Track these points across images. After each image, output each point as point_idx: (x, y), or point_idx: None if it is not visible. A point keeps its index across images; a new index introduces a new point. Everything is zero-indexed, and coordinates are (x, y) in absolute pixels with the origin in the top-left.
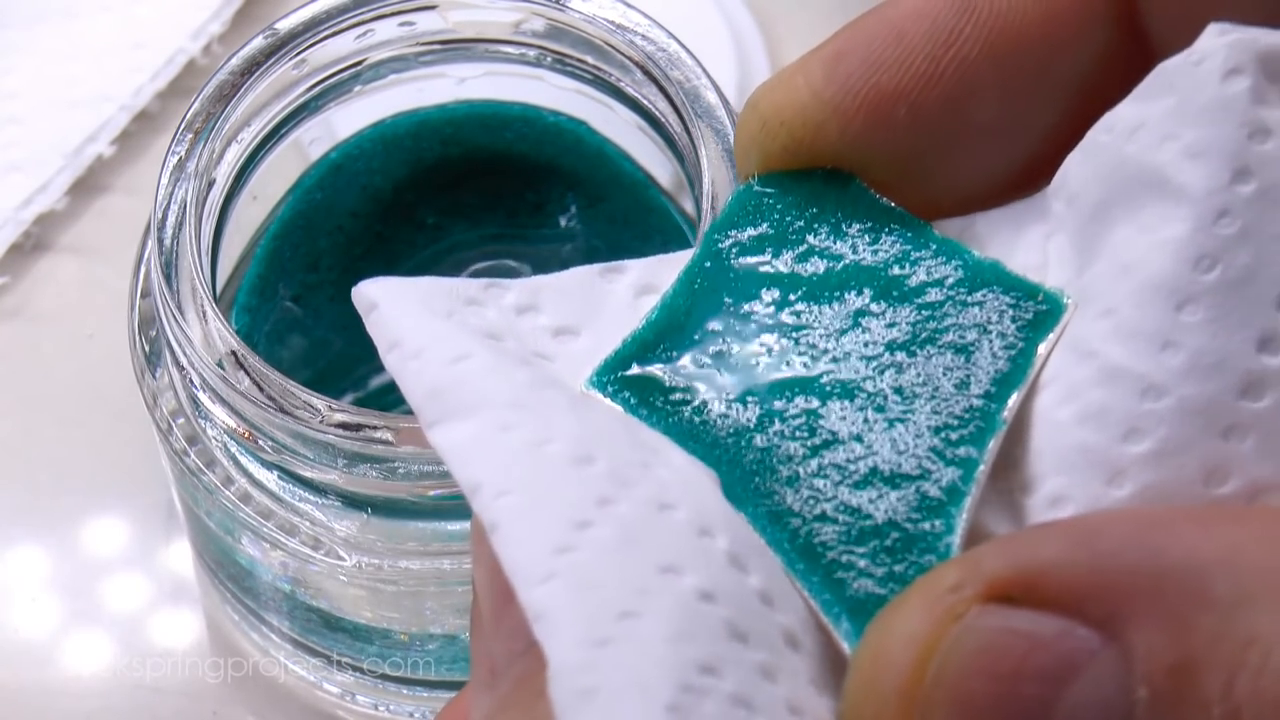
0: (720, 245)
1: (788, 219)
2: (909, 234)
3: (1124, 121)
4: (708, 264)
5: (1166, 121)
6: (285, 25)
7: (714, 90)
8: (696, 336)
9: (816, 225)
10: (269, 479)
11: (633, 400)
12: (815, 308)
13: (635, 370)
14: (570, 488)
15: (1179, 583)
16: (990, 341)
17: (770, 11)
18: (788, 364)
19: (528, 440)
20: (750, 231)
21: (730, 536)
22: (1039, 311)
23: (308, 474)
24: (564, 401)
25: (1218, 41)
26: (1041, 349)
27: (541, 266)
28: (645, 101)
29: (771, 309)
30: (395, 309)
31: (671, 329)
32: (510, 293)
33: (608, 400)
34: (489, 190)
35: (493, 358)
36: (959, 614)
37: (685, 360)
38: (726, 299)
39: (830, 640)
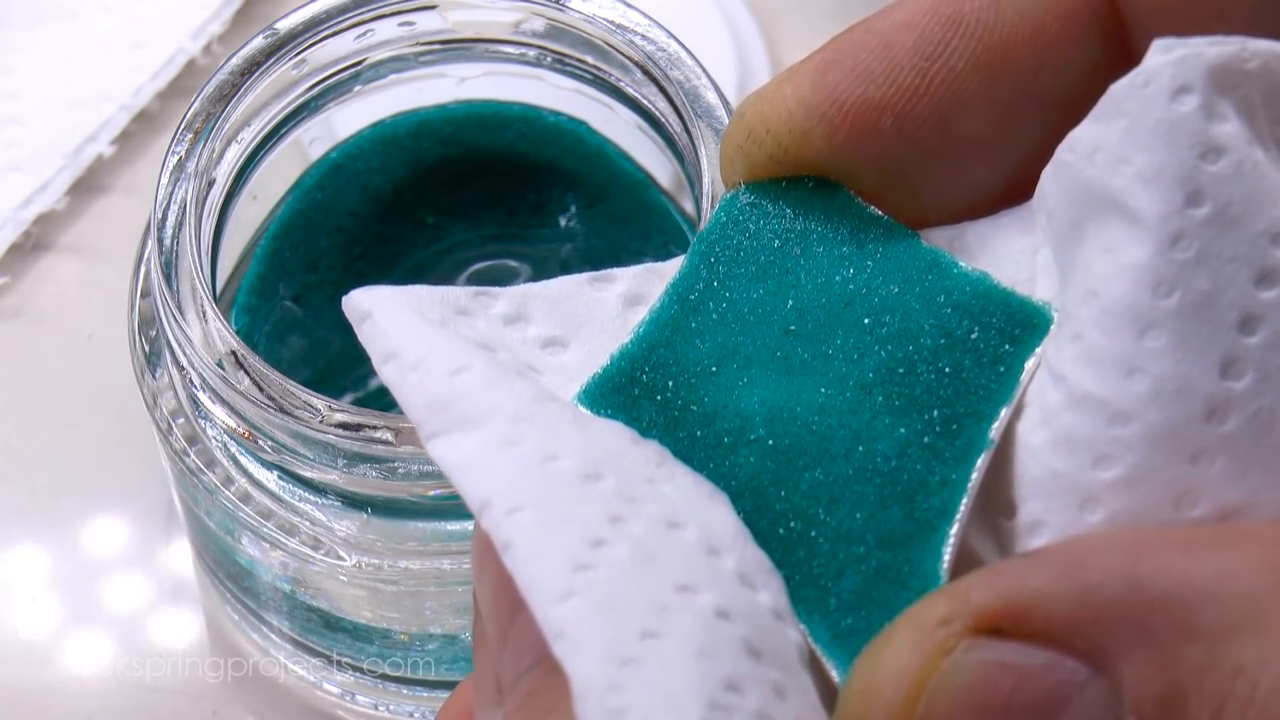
0: (708, 257)
1: (775, 229)
2: (897, 245)
3: (1083, 143)
4: (695, 276)
5: (1120, 145)
6: (285, 25)
7: (714, 90)
8: (685, 353)
9: (804, 235)
10: (269, 479)
11: (621, 419)
12: (802, 321)
13: (624, 388)
14: (582, 505)
15: (1166, 613)
16: (978, 356)
17: (770, 11)
18: (775, 380)
19: (535, 455)
20: (737, 242)
21: (737, 555)
22: (1026, 326)
23: (308, 474)
24: (567, 415)
25: (1164, 59)
26: (1029, 364)
27: (541, 266)
28: (645, 101)
29: (759, 323)
30: (389, 318)
31: (659, 345)
32: (499, 302)
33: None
34: (489, 190)
35: (492, 369)
36: (948, 648)
37: (673, 378)
38: (714, 313)
39: (821, 667)
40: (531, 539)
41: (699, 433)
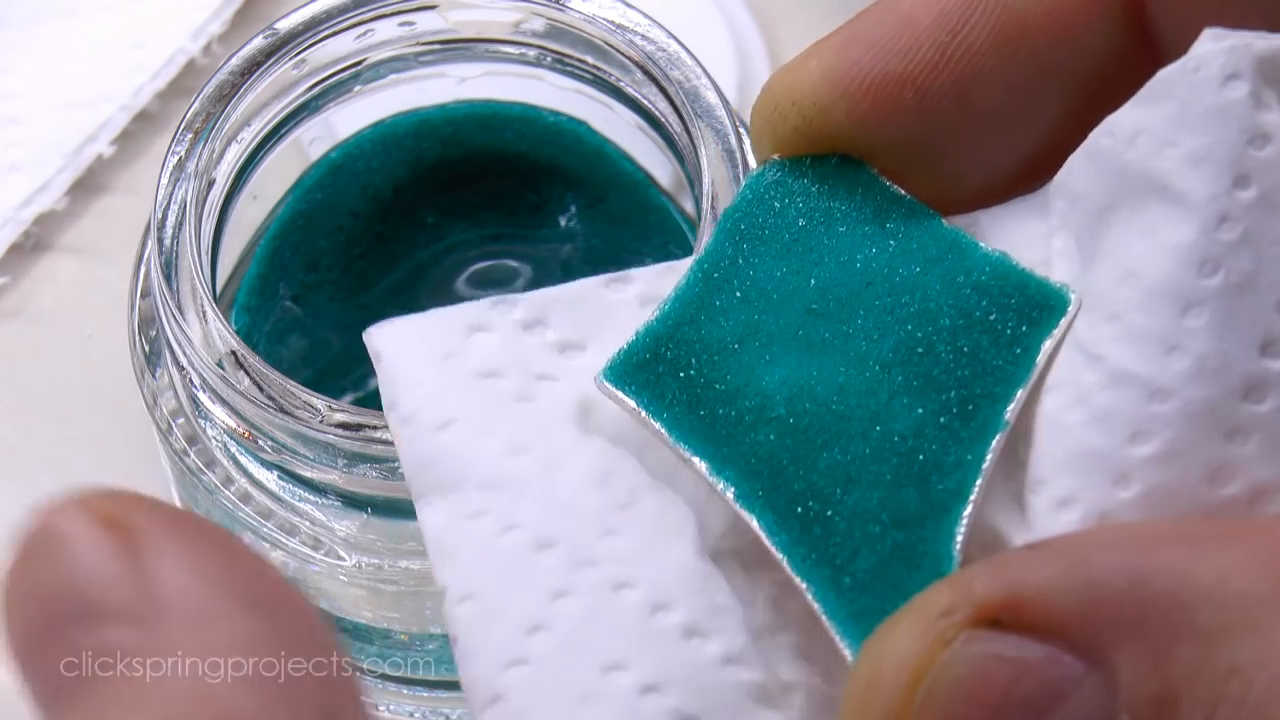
0: (733, 234)
1: (799, 207)
2: (919, 224)
3: (1124, 127)
4: (720, 253)
5: (1167, 128)
6: (285, 25)
7: (714, 90)
8: (708, 330)
9: (827, 214)
10: (269, 479)
11: (644, 396)
12: (824, 300)
13: (647, 365)
14: (527, 583)
15: (1164, 612)
16: (995, 338)
17: (770, 11)
18: (796, 359)
19: (494, 528)
20: (762, 219)
21: (688, 605)
22: (1044, 307)
23: (308, 474)
24: (540, 463)
25: (1215, 47)
26: (1047, 345)
27: (541, 266)
28: (645, 101)
29: (782, 301)
30: (395, 361)
31: (684, 322)
32: (517, 309)
33: (620, 394)
34: (489, 190)
35: (478, 417)
36: (948, 639)
37: (696, 355)
38: (738, 290)
39: (835, 649)
40: (470, 636)
41: (720, 410)
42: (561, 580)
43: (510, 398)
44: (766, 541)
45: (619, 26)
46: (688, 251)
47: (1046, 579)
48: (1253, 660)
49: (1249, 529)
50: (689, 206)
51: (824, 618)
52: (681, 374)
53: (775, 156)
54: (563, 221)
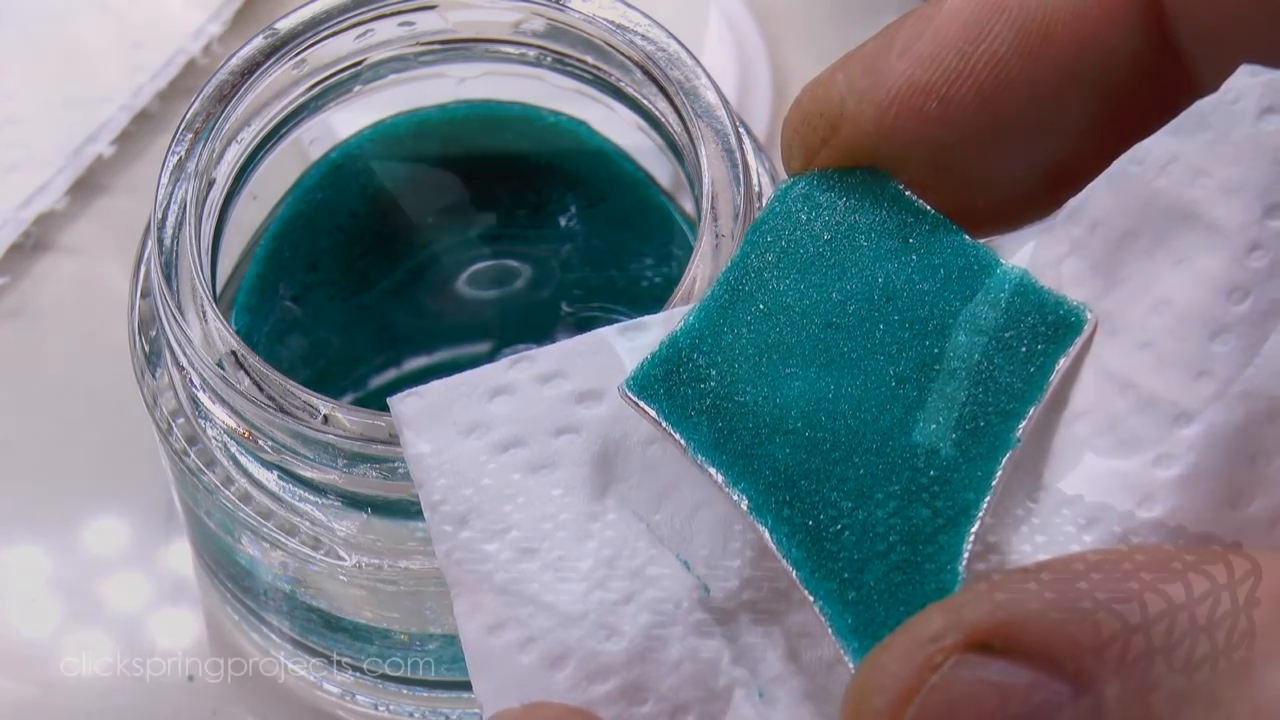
0: (759, 246)
1: (825, 221)
2: (941, 240)
3: (1155, 155)
4: (746, 265)
5: (1201, 158)
6: (285, 25)
7: (714, 90)
8: (730, 343)
9: (852, 229)
10: (269, 479)
11: (665, 406)
12: (845, 314)
13: (668, 377)
14: (549, 698)
15: (1151, 640)
16: (1010, 355)
17: (770, 11)
18: (816, 373)
19: (513, 643)
20: (788, 233)
21: (656, 694)
22: (1061, 326)
23: (308, 474)
24: (549, 565)
25: (1252, 81)
26: (1061, 363)
27: (541, 266)
28: (645, 101)
29: (804, 315)
30: (418, 437)
31: (707, 334)
32: (536, 363)
33: (643, 404)
34: (489, 190)
35: (495, 507)
36: (936, 664)
37: (717, 367)
38: (761, 303)
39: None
40: None
41: (738, 423)
42: (580, 697)
43: (529, 470)
44: (776, 552)
45: (619, 26)
46: (688, 251)
47: (1036, 604)
48: (1234, 692)
49: (1238, 558)
50: (689, 206)
51: (829, 631)
52: (702, 385)
53: (803, 170)
54: (563, 221)
